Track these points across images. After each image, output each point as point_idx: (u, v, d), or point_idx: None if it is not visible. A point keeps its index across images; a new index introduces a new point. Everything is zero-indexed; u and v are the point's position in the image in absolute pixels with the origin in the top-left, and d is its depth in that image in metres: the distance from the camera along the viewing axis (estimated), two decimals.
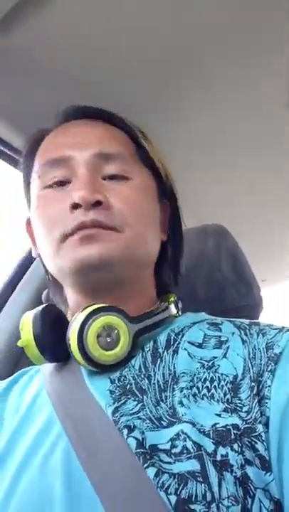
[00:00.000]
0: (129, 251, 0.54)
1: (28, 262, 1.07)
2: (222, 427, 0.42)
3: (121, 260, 0.53)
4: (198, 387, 0.47)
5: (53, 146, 0.60)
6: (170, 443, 0.42)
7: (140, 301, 0.59)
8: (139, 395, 0.48)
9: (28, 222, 0.65)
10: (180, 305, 0.63)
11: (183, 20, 0.68)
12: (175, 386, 0.47)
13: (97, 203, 0.53)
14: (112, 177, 0.57)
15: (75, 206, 0.53)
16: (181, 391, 0.46)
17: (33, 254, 0.66)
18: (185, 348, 0.52)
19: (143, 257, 0.58)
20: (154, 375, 0.50)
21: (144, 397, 0.47)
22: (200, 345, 0.53)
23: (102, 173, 0.57)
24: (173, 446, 0.42)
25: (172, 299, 0.61)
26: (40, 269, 1.02)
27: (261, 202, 1.25)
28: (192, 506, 0.38)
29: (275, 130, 0.96)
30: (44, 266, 0.65)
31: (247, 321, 0.56)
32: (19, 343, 0.56)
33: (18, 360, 0.87)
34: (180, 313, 0.62)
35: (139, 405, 0.46)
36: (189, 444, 0.41)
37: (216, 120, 0.92)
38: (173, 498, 0.38)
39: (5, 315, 1.00)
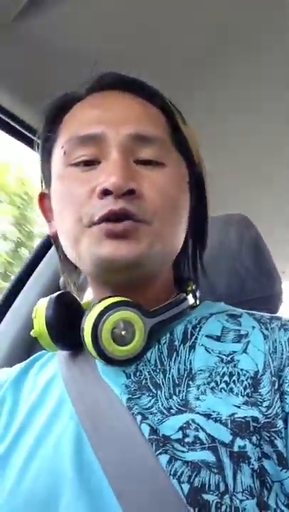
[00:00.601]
0: (157, 246, 0.50)
1: (46, 246, 1.07)
2: (241, 418, 0.41)
3: (148, 258, 0.50)
4: (216, 381, 0.46)
5: (83, 120, 0.54)
6: (181, 432, 0.41)
7: (158, 289, 0.57)
8: (153, 389, 0.47)
9: (42, 197, 0.61)
10: (198, 294, 0.60)
11: (192, 20, 0.67)
12: (191, 382, 0.46)
13: (130, 192, 0.49)
14: (146, 162, 0.52)
15: (106, 192, 0.48)
16: (198, 388, 0.45)
17: (49, 233, 0.62)
18: (202, 344, 0.51)
19: (171, 252, 0.55)
20: (170, 369, 0.49)
21: (158, 391, 0.47)
22: (218, 339, 0.51)
23: (136, 156, 0.52)
24: (185, 435, 0.41)
25: (190, 288, 0.59)
26: (56, 256, 1.02)
27: (283, 194, 1.23)
28: (205, 496, 0.37)
29: None
30: (57, 244, 0.61)
31: (268, 315, 0.55)
32: (32, 333, 0.55)
33: (34, 344, 0.87)
34: (198, 302, 0.60)
35: (153, 400, 0.46)
36: (202, 435, 0.40)
37: (241, 108, 0.90)
38: (186, 487, 0.38)
39: (22, 300, 1.01)
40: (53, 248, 1.04)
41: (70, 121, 0.56)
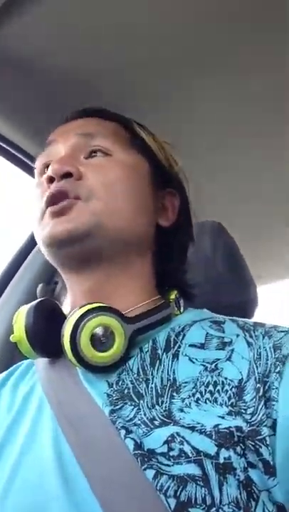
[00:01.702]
0: (97, 221, 0.54)
1: (24, 254, 1.06)
2: (225, 428, 0.41)
3: (89, 231, 0.53)
4: (201, 392, 0.46)
5: (46, 142, 0.63)
6: (166, 446, 0.41)
7: (136, 290, 0.58)
8: (136, 399, 0.47)
9: None
10: (182, 302, 0.61)
11: (183, 11, 0.67)
12: (175, 394, 0.46)
13: (68, 174, 0.55)
14: (94, 154, 0.58)
15: (50, 180, 0.55)
16: (183, 401, 0.45)
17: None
18: (186, 354, 0.51)
19: (121, 231, 0.56)
20: (152, 379, 0.49)
21: (141, 401, 0.46)
22: (202, 346, 0.51)
23: (85, 152, 0.58)
24: (170, 449, 0.41)
25: (173, 296, 0.59)
26: (36, 261, 1.02)
27: (258, 198, 1.25)
28: (192, 510, 0.37)
29: (275, 125, 0.95)
30: None
31: (251, 322, 0.55)
32: (12, 338, 0.55)
33: (14, 353, 0.87)
34: (182, 310, 0.60)
35: (135, 410, 0.45)
36: (187, 448, 0.40)
37: (214, 115, 0.91)
38: (172, 501, 0.38)
39: (1, 308, 1.00)
40: (30, 256, 1.04)
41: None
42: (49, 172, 0.55)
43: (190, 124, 0.91)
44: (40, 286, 0.92)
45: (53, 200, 0.55)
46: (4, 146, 0.89)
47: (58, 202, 0.54)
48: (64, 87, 0.76)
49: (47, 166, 0.60)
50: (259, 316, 0.85)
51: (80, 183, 0.55)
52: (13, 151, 0.90)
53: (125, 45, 0.70)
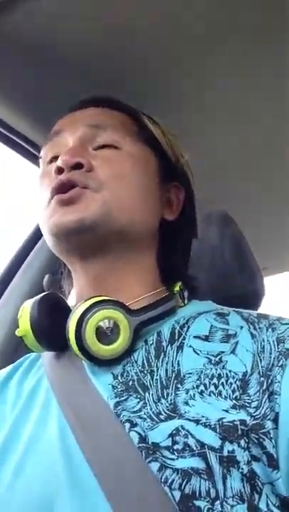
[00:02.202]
0: (106, 212, 0.54)
1: (29, 246, 1.06)
2: (229, 421, 0.41)
3: (98, 221, 0.53)
4: (205, 384, 0.46)
5: (52, 131, 0.62)
6: (170, 439, 0.41)
7: (140, 281, 0.58)
8: (141, 391, 0.47)
9: None
10: (186, 294, 0.61)
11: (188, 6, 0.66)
12: (179, 385, 0.46)
13: (78, 166, 0.55)
14: (102, 146, 0.58)
15: (59, 170, 0.55)
16: (187, 392, 0.45)
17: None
18: (190, 345, 0.51)
19: (128, 222, 0.56)
20: (157, 370, 0.49)
21: (146, 393, 0.46)
22: (206, 338, 0.51)
23: (94, 144, 0.58)
24: (174, 442, 0.41)
25: (177, 288, 0.59)
26: (41, 254, 1.02)
27: (266, 189, 1.24)
28: (196, 502, 0.37)
29: (279, 115, 0.95)
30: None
31: (255, 313, 0.55)
32: (17, 333, 0.55)
33: (19, 347, 0.87)
34: (186, 302, 0.60)
35: (141, 403, 0.46)
36: (192, 442, 0.40)
37: (220, 105, 0.91)
38: (177, 494, 0.38)
39: (6, 301, 1.00)
40: (35, 249, 1.04)
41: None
42: (58, 163, 0.55)
43: (200, 113, 0.91)
44: (46, 277, 0.92)
45: (61, 188, 0.54)
46: (7, 133, 0.87)
47: (66, 191, 0.54)
48: (68, 74, 0.75)
49: (54, 156, 0.59)
50: (265, 306, 0.85)
51: (89, 175, 0.55)
52: (16, 139, 0.89)
53: (133, 33, 0.70)
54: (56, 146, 0.60)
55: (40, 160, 0.63)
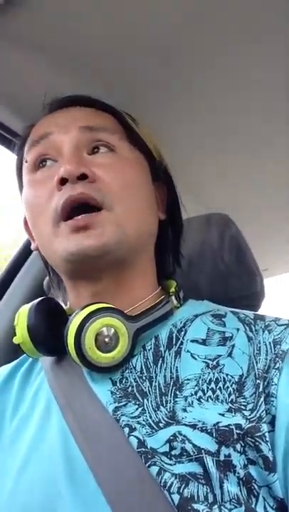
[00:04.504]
0: (122, 230, 0.52)
1: (27, 251, 1.06)
2: (225, 426, 0.42)
3: (115, 245, 0.52)
4: (203, 390, 0.46)
5: (38, 129, 0.59)
6: (168, 445, 0.41)
7: (141, 285, 0.57)
8: (140, 398, 0.47)
9: (26, 221, 0.62)
10: (182, 294, 0.61)
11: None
12: (178, 392, 0.46)
13: (83, 176, 0.52)
14: (97, 150, 0.56)
15: (62, 182, 0.52)
16: (186, 400, 0.45)
17: (32, 248, 0.64)
18: (188, 350, 0.51)
19: (139, 236, 0.55)
20: (156, 377, 0.49)
21: (145, 400, 0.46)
22: (203, 342, 0.51)
23: (88, 148, 0.56)
24: (172, 448, 0.41)
25: (173, 289, 0.59)
26: (39, 258, 1.02)
27: (265, 191, 1.24)
28: (195, 506, 0.37)
29: (278, 116, 0.95)
30: (43, 257, 0.64)
31: (251, 314, 0.55)
32: (14, 340, 0.55)
33: (17, 351, 0.87)
34: (182, 302, 0.60)
35: (140, 409, 0.46)
36: (189, 447, 0.41)
37: (219, 107, 0.90)
38: (176, 497, 0.38)
39: (4, 305, 1.00)
40: (34, 253, 1.04)
41: (30, 137, 0.60)
42: (62, 173, 0.51)
43: (190, 114, 0.90)
44: (46, 279, 0.92)
45: (72, 210, 0.51)
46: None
47: (78, 213, 0.51)
48: (57, 67, 0.74)
49: (44, 159, 0.57)
50: (265, 308, 0.85)
51: (100, 187, 0.53)
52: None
53: (126, 32, 0.69)
54: (45, 148, 0.57)
55: (24, 163, 0.59)
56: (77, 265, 0.52)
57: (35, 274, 1.01)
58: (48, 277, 0.92)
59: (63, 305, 0.62)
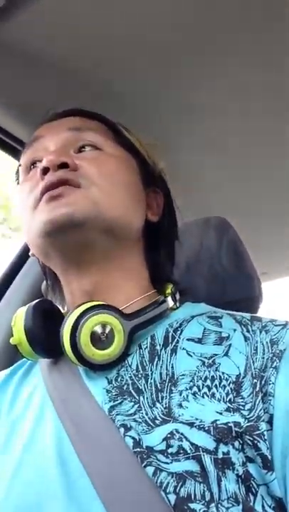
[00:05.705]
0: (96, 208, 0.53)
1: (24, 256, 1.06)
2: (223, 424, 0.41)
3: (87, 219, 0.52)
4: (198, 386, 0.46)
5: (33, 135, 0.62)
6: (165, 443, 0.41)
7: (132, 286, 0.58)
8: (135, 395, 0.47)
9: None
10: (178, 296, 0.61)
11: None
12: (173, 388, 0.46)
13: (64, 165, 0.54)
14: (84, 149, 0.58)
15: (44, 171, 0.54)
16: (181, 394, 0.45)
17: (30, 253, 0.65)
18: (184, 348, 0.51)
19: (116, 222, 0.55)
20: (151, 374, 0.49)
21: (141, 397, 0.46)
22: (199, 341, 0.51)
23: (75, 147, 0.58)
24: (168, 446, 0.41)
25: (169, 290, 0.59)
26: (37, 263, 1.02)
27: (263, 194, 1.24)
28: (192, 505, 0.37)
29: (278, 121, 0.95)
30: (40, 261, 0.65)
31: (248, 316, 0.55)
32: (11, 341, 0.55)
33: (15, 355, 0.86)
34: (178, 304, 0.60)
35: (136, 407, 0.45)
36: (186, 445, 0.40)
37: (219, 111, 0.91)
38: (172, 497, 0.38)
39: (2, 309, 1.00)
40: (31, 258, 1.03)
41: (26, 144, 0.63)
42: (44, 163, 0.54)
43: (190, 118, 0.90)
44: (44, 284, 0.92)
45: (51, 186, 0.53)
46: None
47: (56, 187, 0.53)
48: (56, 74, 0.74)
49: (35, 161, 0.59)
50: (263, 312, 0.85)
51: (77, 173, 0.55)
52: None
53: (124, 36, 0.69)
54: (36, 151, 0.59)
55: (20, 168, 0.62)
56: (52, 238, 0.53)
57: (33, 278, 1.01)
58: (45, 282, 0.92)
59: (61, 309, 0.62)
